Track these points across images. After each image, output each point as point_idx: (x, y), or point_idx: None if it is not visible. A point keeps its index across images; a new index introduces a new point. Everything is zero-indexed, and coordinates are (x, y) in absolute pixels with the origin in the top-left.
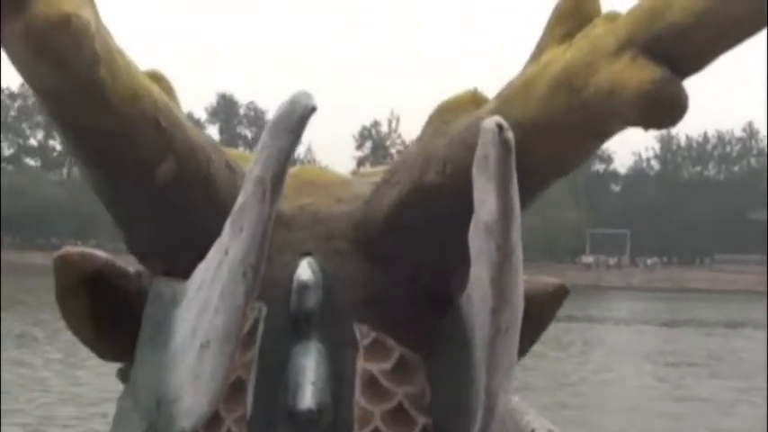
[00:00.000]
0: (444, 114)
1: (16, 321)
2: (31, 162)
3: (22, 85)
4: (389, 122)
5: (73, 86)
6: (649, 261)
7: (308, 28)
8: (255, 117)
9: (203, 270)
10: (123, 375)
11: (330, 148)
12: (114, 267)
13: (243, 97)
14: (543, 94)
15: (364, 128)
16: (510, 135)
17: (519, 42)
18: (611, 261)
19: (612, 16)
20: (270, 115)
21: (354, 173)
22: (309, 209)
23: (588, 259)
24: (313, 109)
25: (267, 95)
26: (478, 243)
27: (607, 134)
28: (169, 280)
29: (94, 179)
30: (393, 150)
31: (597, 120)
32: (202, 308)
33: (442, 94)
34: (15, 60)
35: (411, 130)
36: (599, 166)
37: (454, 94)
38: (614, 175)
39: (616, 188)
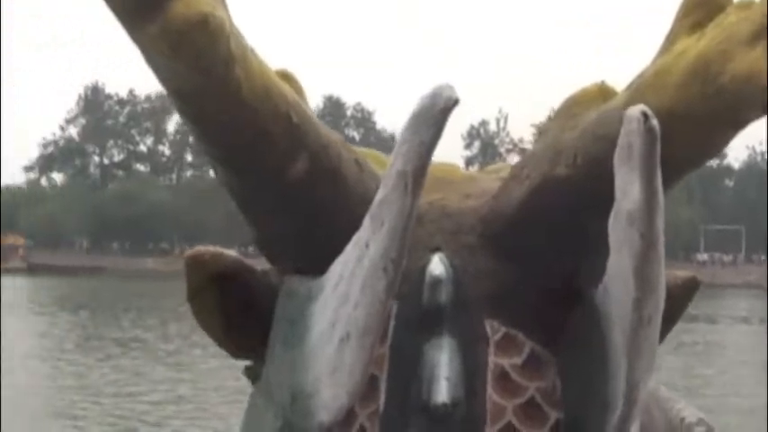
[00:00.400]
0: (572, 108)
1: (126, 326)
2: (140, 167)
3: (131, 92)
4: (497, 121)
5: (209, 85)
6: (765, 257)
7: (409, 29)
8: (363, 118)
9: (342, 264)
10: (250, 373)
11: (438, 147)
12: (243, 266)
13: (350, 99)
14: (678, 83)
15: (472, 127)
16: (655, 123)
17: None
18: (726, 258)
19: (746, 4)
20: (377, 116)
21: (481, 170)
22: (438, 204)
23: (703, 257)
24: (456, 101)
25: (373, 96)
26: (620, 233)
27: (743, 123)
28: (302, 277)
29: (227, 176)
30: (502, 149)
31: (734, 107)
32: (341, 302)
33: (549, 92)
34: (152, 61)
35: (519, 128)
36: (712, 162)
37: (581, 88)
38: (728, 171)
39: (730, 183)
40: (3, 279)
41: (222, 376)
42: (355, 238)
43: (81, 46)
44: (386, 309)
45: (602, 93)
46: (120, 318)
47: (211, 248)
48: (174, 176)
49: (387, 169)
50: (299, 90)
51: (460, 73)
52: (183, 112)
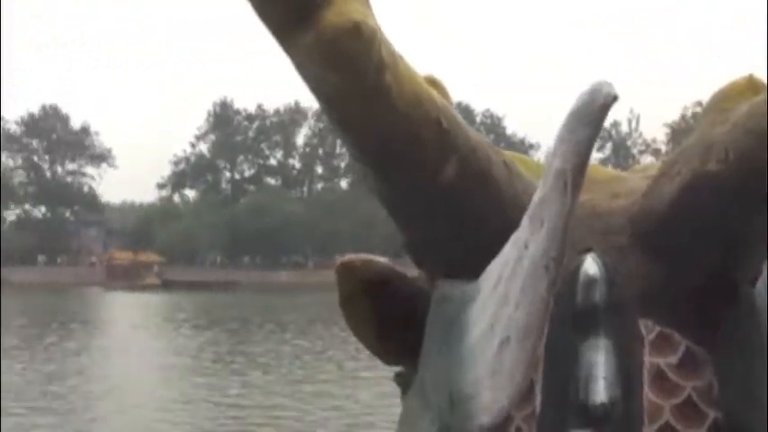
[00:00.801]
0: (721, 102)
1: (260, 340)
2: (271, 181)
3: (260, 107)
4: (629, 122)
5: (361, 92)
6: None
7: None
8: (492, 124)
9: (500, 266)
10: (401, 380)
11: None
12: (394, 272)
13: (479, 105)
14: None
15: (604, 129)
16: None
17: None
18: None
19: None
20: (506, 121)
21: (628, 169)
22: (587, 204)
23: None
24: (615, 98)
25: (502, 102)
26: None
27: None
28: (454, 282)
29: (378, 182)
30: (635, 150)
31: None
32: (501, 303)
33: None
34: (303, 70)
35: (652, 128)
36: None
37: (729, 82)
38: None
39: None
40: (138, 296)
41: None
42: (513, 238)
43: (210, 62)
44: (547, 308)
45: (752, 86)
46: (255, 332)
47: (362, 255)
48: (304, 189)
49: (546, 169)
50: (445, 95)
51: (590, 72)
52: (334, 120)
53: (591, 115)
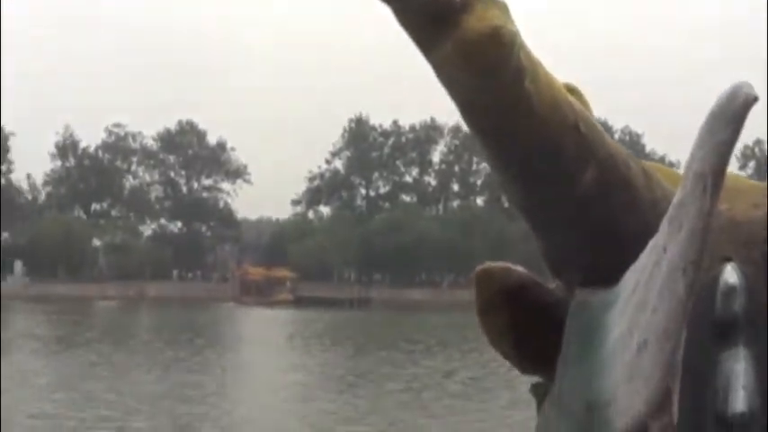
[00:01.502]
0: None
1: (391, 360)
2: (406, 198)
3: (395, 123)
4: None
5: (501, 97)
6: None
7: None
8: (631, 141)
9: (639, 271)
10: (537, 390)
11: None
12: (532, 280)
13: (617, 122)
14: None
15: (746, 146)
16: None
17: None
18: None
19: None
20: (645, 138)
21: None
22: (727, 214)
23: None
24: (755, 99)
25: (641, 119)
26: None
27: None
28: (593, 290)
29: (516, 191)
30: None
31: None
32: (639, 308)
33: None
34: (444, 76)
35: None
36: None
37: None
38: None
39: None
40: (270, 312)
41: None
42: (652, 243)
43: (344, 76)
44: (685, 312)
45: None
46: (387, 352)
47: (501, 263)
48: (440, 206)
49: (684, 172)
50: (584, 103)
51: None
52: (474, 126)
53: (731, 116)
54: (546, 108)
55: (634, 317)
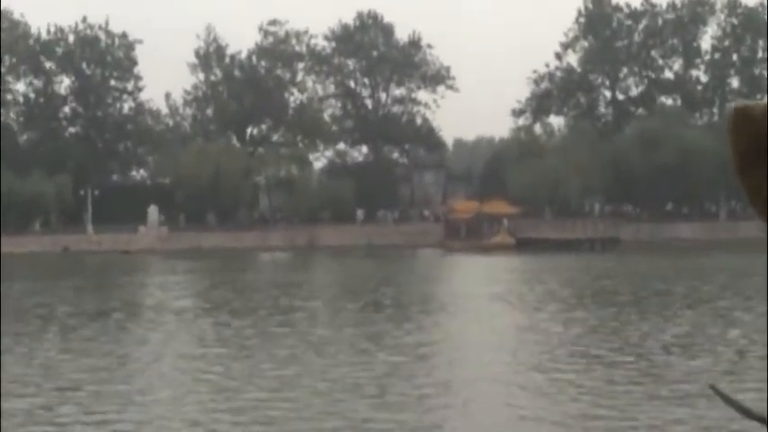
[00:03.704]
0: None
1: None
2: (667, 101)
3: (647, 0)
4: None
5: None
6: None
7: None
8: None
9: None
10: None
11: None
12: None
13: None
14: None
15: None
16: None
17: None
18: None
19: None
20: None
21: None
22: None
23: None
24: None
25: None
26: None
27: None
28: None
29: None
30: None
31: None
32: None
33: None
34: None
35: None
36: None
37: None
38: None
39: None
40: (485, 260)
41: None
42: None
43: None
44: None
45: None
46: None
47: (763, 103)
48: (714, 110)
49: None
50: None
51: None
52: None
53: None
54: None
55: None
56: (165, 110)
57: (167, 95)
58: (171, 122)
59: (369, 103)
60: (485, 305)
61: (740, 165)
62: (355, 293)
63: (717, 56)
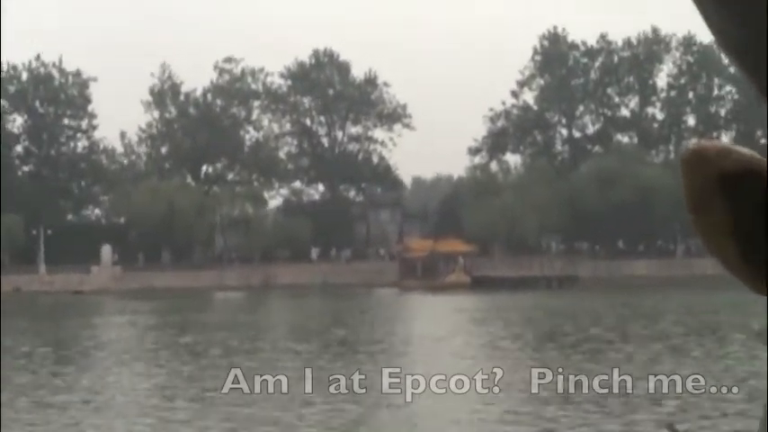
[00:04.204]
0: None
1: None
2: (623, 139)
3: (603, 38)
4: None
5: None
6: None
7: None
8: None
9: None
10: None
11: None
12: (760, 164)
13: None
14: None
15: None
16: None
17: None
18: None
19: None
20: None
21: None
22: None
23: None
24: None
25: None
26: None
27: None
28: None
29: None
30: None
31: None
32: None
33: None
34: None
35: None
36: None
37: None
38: None
39: None
40: (440, 298)
41: None
42: None
43: None
44: None
45: None
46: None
47: (718, 143)
48: (671, 148)
49: None
50: None
51: None
52: (742, 65)
53: None
54: None
55: None
56: (120, 148)
57: (122, 134)
58: (126, 161)
59: (325, 141)
60: (424, 349)
61: (692, 205)
62: (305, 333)
63: (673, 93)
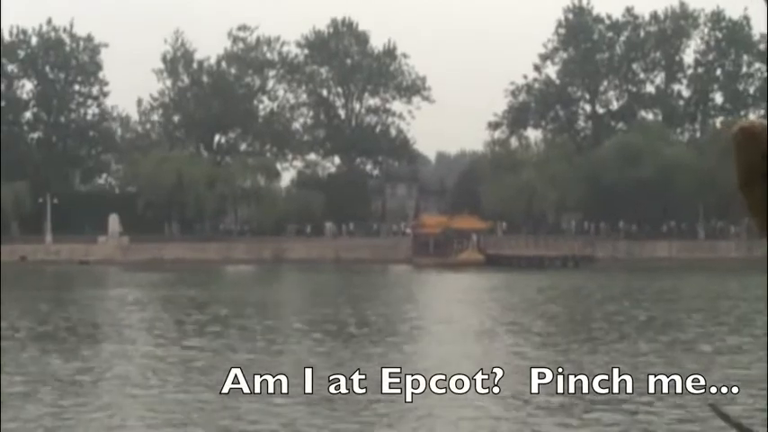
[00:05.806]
0: None
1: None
2: (648, 116)
3: (629, 11)
4: None
5: None
6: None
7: None
8: None
9: None
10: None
11: None
12: None
13: None
14: None
15: None
16: None
17: None
18: None
19: None
20: None
21: None
22: None
23: None
24: None
25: None
26: None
27: None
28: None
29: None
30: None
31: None
32: None
33: None
34: None
35: None
36: None
37: None
38: None
39: None
40: (452, 276)
41: None
42: None
43: None
44: None
45: None
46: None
47: (763, 121)
48: (696, 126)
49: None
50: None
51: None
52: None
53: None
54: None
55: None
56: (135, 116)
57: (139, 101)
58: (140, 129)
59: (342, 112)
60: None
61: (743, 179)
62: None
63: (700, 70)
